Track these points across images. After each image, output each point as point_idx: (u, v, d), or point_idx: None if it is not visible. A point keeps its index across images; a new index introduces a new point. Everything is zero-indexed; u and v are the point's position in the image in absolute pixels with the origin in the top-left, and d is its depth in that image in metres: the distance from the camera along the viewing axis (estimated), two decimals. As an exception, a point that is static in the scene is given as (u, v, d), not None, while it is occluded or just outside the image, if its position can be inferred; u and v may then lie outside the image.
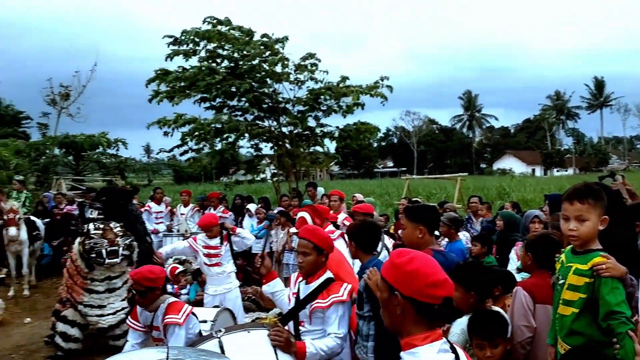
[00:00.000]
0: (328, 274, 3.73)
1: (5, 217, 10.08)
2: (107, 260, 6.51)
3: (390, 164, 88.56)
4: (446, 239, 6.41)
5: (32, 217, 11.37)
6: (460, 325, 3.37)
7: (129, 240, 6.82)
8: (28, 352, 7.34)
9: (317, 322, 3.63)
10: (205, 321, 5.60)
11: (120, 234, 6.77)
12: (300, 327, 3.69)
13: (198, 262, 7.27)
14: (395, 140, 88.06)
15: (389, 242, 6.50)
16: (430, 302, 1.91)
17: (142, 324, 4.45)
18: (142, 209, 11.60)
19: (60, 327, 6.94)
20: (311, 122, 14.01)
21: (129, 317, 4.60)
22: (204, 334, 4.47)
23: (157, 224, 11.40)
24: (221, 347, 3.31)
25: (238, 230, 7.12)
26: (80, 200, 13.46)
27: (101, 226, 6.77)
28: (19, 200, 11.54)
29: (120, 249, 6.62)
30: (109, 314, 6.70)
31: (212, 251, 6.82)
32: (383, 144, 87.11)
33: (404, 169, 74.49)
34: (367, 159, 78.58)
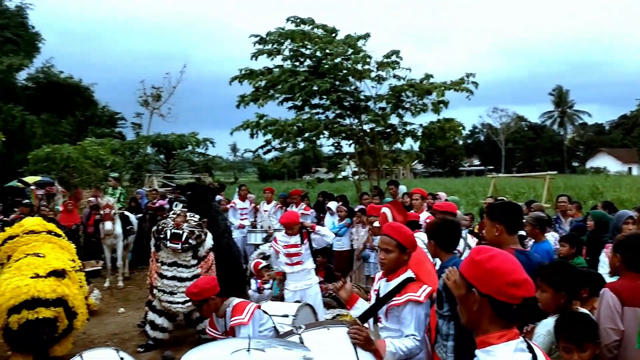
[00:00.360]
0: (409, 273, 3.68)
1: (102, 212, 10.70)
2: (169, 243, 6.76)
3: (477, 162, 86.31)
4: (532, 240, 6.17)
5: (126, 212, 11.98)
6: (546, 326, 3.24)
7: (197, 230, 6.98)
8: (121, 340, 7.73)
9: (393, 321, 3.60)
10: (286, 316, 5.71)
11: (193, 223, 7.00)
12: (378, 323, 3.67)
13: (279, 261, 7.40)
14: (482, 138, 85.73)
15: (472, 241, 6.35)
16: (509, 302, 1.86)
17: (220, 331, 4.58)
18: (228, 205, 11.98)
19: (150, 315, 7.28)
20: (393, 120, 13.91)
21: (208, 326, 4.76)
22: (285, 328, 4.56)
23: (241, 220, 11.71)
24: (302, 344, 3.35)
25: (317, 228, 7.15)
26: (170, 196, 14.04)
27: (178, 212, 7.06)
28: (114, 196, 12.19)
29: (184, 234, 6.79)
30: (178, 302, 6.92)
31: (292, 249, 6.89)
32: (469, 141, 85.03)
33: (491, 167, 72.38)
34: (452, 157, 77.03)
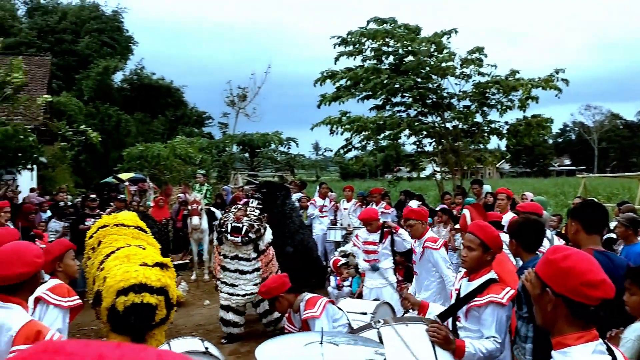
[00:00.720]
0: (491, 274, 3.60)
1: (189, 207, 11.13)
2: (229, 236, 6.93)
3: (567, 161, 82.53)
4: (623, 242, 5.84)
5: (212, 208, 12.39)
6: (635, 331, 3.07)
7: (257, 224, 7.12)
8: (206, 332, 8.01)
9: (473, 321, 3.52)
10: (365, 313, 5.72)
11: (253, 217, 7.15)
12: (457, 323, 3.62)
13: (357, 258, 7.42)
14: (573, 137, 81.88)
15: (559, 242, 6.10)
16: (585, 302, 1.79)
17: (297, 327, 4.63)
18: (308, 203, 12.13)
19: (220, 312, 7.51)
20: (478, 118, 13.57)
21: (286, 322, 4.85)
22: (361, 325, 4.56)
23: (321, 217, 11.83)
24: (380, 339, 3.35)
25: (401, 230, 7.06)
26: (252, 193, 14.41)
27: (239, 207, 7.26)
28: (200, 193, 12.66)
29: (244, 228, 6.94)
30: (238, 295, 7.09)
31: (370, 247, 6.88)
32: (559, 140, 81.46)
33: (583, 167, 69.03)
34: (541, 157, 74.09)
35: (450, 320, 3.68)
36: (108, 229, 7.39)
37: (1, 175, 13.91)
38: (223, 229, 7.10)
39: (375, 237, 6.86)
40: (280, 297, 4.58)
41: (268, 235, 7.39)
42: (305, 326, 4.45)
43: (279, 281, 4.66)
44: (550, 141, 75.06)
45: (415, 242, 6.25)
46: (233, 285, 7.12)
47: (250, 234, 7.04)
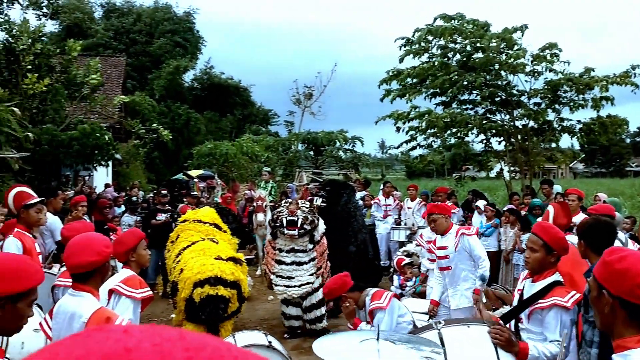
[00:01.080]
0: (556, 276, 3.51)
1: (255, 204, 11.34)
2: (286, 230, 6.99)
3: (646, 162, 78.56)
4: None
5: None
6: None
7: (310, 215, 7.17)
8: (270, 326, 8.13)
9: (535, 323, 3.44)
10: (427, 313, 5.70)
11: (306, 210, 7.20)
12: (519, 324, 3.54)
13: (421, 257, 7.35)
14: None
15: (633, 246, 5.83)
16: None
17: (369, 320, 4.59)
18: (372, 202, 12.11)
19: (281, 306, 7.62)
20: (550, 116, 13.12)
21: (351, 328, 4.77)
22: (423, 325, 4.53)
23: (385, 216, 11.78)
24: (441, 339, 3.33)
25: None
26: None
27: (290, 201, 7.33)
28: (266, 190, 12.87)
29: (299, 220, 7.01)
30: (294, 286, 7.12)
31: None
32: (638, 139, 77.55)
33: (663, 168, 65.50)
34: (617, 157, 70.78)
35: (512, 322, 3.61)
36: (187, 223, 7.75)
37: (78, 172, 14.63)
38: (277, 224, 7.22)
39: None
40: (344, 297, 4.56)
41: (322, 225, 7.46)
42: (371, 317, 4.44)
43: (340, 281, 4.63)
44: (628, 140, 71.61)
45: (438, 238, 6.03)
46: (289, 278, 7.19)
47: (305, 226, 7.11)
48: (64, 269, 4.23)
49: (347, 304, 4.54)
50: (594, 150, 50.48)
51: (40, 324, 3.36)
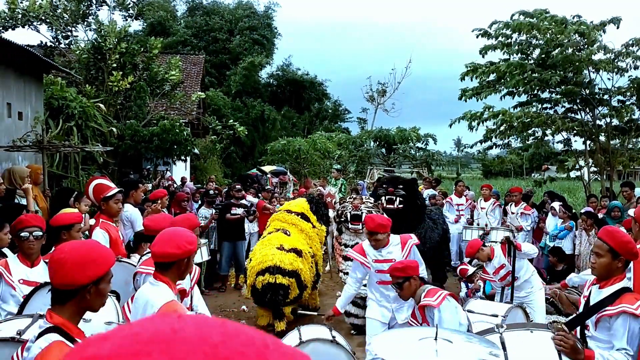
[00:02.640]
0: (625, 282, 3.41)
1: (325, 200, 11.47)
2: (350, 225, 7.01)
3: None
4: None
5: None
6: None
7: (374, 210, 7.15)
8: (337, 321, 8.23)
9: (603, 331, 3.35)
10: (496, 315, 5.58)
11: (370, 205, 7.20)
12: (585, 331, 3.45)
13: None
14: None
15: None
16: None
17: (420, 321, 4.58)
18: (444, 201, 11.98)
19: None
20: (635, 114, 12.47)
21: (410, 317, 4.82)
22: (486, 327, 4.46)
23: (458, 216, 11.63)
24: (502, 343, 3.29)
25: (523, 248, 6.40)
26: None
27: (355, 197, 7.38)
28: (335, 186, 12.99)
29: (364, 214, 7.00)
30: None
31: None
32: None
33: None
34: None
35: (577, 329, 3.52)
36: (278, 214, 8.51)
37: (157, 166, 15.29)
38: (342, 219, 7.29)
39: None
40: (412, 279, 4.55)
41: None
42: (423, 315, 4.43)
43: (415, 263, 4.68)
44: None
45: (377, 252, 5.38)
46: None
47: None
48: (144, 258, 4.48)
49: (411, 289, 4.54)
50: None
51: (123, 307, 3.63)
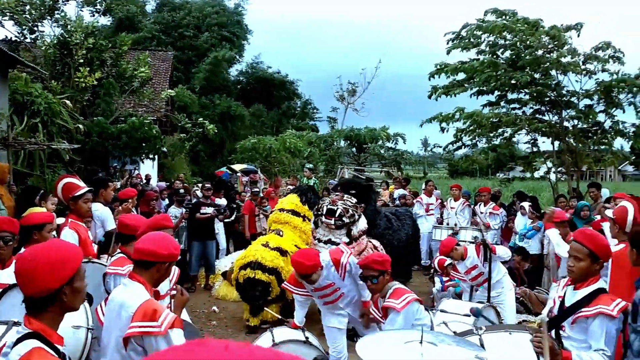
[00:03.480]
0: (600, 284, 3.46)
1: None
2: (324, 218, 7.05)
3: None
4: None
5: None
6: None
7: (351, 209, 7.19)
8: (310, 322, 8.16)
9: (579, 332, 3.38)
10: (468, 315, 5.62)
11: (349, 203, 7.23)
12: (561, 331, 3.49)
13: None
14: None
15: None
16: None
17: (381, 313, 4.50)
18: (415, 201, 12.06)
19: None
20: (601, 117, 12.75)
21: (372, 307, 4.72)
22: (465, 328, 4.47)
23: (428, 215, 11.72)
24: (481, 345, 3.31)
25: (498, 250, 6.45)
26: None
27: (337, 194, 7.54)
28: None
29: (338, 210, 7.03)
30: None
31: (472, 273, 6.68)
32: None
33: None
34: (670, 159, 68.29)
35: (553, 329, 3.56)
36: (273, 214, 8.67)
37: (125, 164, 15.00)
38: (319, 212, 7.29)
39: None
40: (387, 273, 4.45)
41: (362, 223, 7.43)
42: (385, 313, 4.34)
43: (387, 259, 4.56)
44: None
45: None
46: None
47: (344, 218, 7.11)
48: (113, 258, 4.38)
49: (380, 284, 4.47)
50: (644, 152, 48.78)
51: (96, 310, 3.52)
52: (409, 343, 2.61)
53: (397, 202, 12.51)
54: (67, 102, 11.75)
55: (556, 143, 13.28)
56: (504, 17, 12.78)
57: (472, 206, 11.70)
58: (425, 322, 4.28)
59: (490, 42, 13.01)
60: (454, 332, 4.01)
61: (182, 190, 10.68)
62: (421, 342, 2.55)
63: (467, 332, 3.53)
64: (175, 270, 4.13)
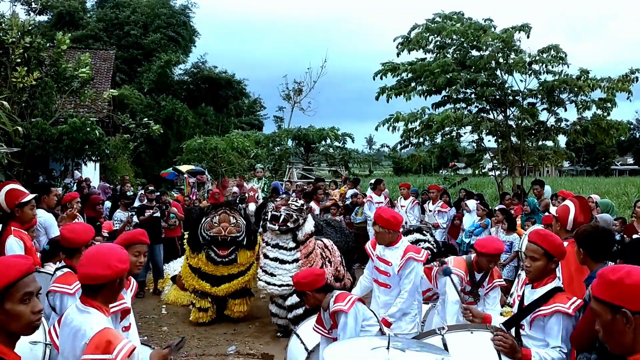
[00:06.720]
0: (556, 283, 3.54)
1: (246, 194, 11.30)
2: (268, 224, 7.07)
3: (631, 160, 79.26)
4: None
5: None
6: None
7: (295, 214, 7.18)
8: (262, 324, 8.13)
9: (537, 330, 3.46)
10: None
11: (293, 207, 7.24)
12: (520, 330, 3.56)
13: None
14: (638, 135, 78.47)
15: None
16: None
17: (327, 328, 4.36)
18: (365, 200, 12.12)
19: (269, 304, 7.66)
20: (543, 116, 13.16)
21: (315, 323, 4.52)
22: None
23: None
24: (444, 345, 3.35)
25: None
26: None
27: (283, 197, 7.51)
28: (258, 186, 12.85)
29: (282, 216, 7.06)
30: (274, 284, 7.12)
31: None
32: (622, 138, 78.01)
33: (648, 167, 66.16)
34: (603, 155, 71.37)
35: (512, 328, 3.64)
36: None
37: (67, 166, 14.47)
38: (265, 217, 7.28)
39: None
40: (308, 294, 4.33)
41: (308, 227, 7.41)
42: (334, 322, 4.22)
43: (311, 277, 4.37)
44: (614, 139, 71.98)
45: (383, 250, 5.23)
46: (272, 275, 7.18)
47: (288, 224, 7.12)
48: (59, 273, 3.97)
49: (311, 301, 4.35)
50: (578, 148, 50.80)
51: (49, 331, 3.25)
52: (375, 349, 2.60)
53: (348, 201, 12.61)
54: (5, 103, 11.19)
55: (501, 141, 13.60)
56: (450, 20, 12.98)
57: (421, 204, 11.86)
58: (372, 322, 4.25)
59: (438, 43, 13.21)
60: (419, 333, 4.04)
61: (129, 193, 10.40)
62: (388, 348, 2.54)
63: (430, 333, 3.56)
64: (133, 283, 3.92)
